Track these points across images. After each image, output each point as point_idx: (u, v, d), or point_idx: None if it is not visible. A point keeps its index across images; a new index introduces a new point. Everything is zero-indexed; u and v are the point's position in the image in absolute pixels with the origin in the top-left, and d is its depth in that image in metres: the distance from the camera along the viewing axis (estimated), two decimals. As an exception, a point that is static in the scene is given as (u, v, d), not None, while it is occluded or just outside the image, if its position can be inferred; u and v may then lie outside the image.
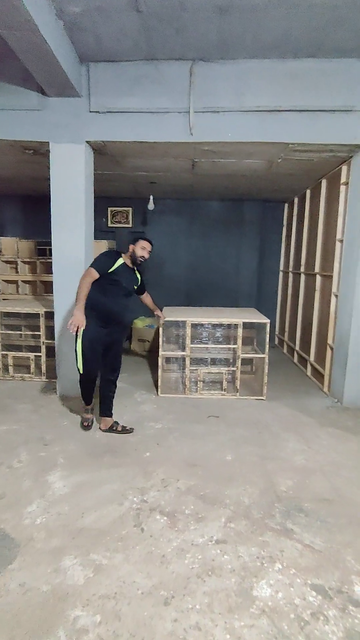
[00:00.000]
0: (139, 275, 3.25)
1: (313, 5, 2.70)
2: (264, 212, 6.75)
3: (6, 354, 4.52)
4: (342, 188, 4.07)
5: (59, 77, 3.19)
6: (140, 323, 5.92)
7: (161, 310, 3.85)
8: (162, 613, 1.61)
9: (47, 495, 2.37)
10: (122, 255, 3.09)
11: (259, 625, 1.56)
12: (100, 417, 3.25)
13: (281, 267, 6.75)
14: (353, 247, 3.82)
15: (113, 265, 2.98)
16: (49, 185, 3.75)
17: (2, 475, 2.57)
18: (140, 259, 3.09)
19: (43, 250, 6.10)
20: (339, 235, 4.12)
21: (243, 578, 1.79)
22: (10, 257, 5.86)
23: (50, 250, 3.91)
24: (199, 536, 2.05)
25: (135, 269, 3.20)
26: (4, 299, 5.44)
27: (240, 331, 4.03)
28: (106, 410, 3.23)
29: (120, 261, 3.02)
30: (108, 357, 3.16)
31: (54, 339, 4.10)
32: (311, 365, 4.91)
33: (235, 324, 4.09)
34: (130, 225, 6.87)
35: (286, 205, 6.58)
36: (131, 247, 3.10)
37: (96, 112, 3.60)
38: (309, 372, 4.99)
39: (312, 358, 4.89)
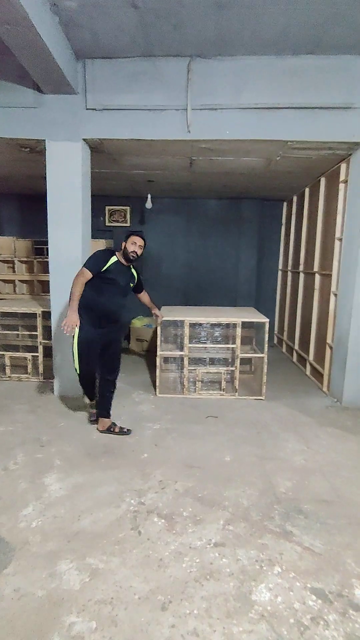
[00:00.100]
0: (135, 273, 3.20)
1: (312, 1, 2.67)
2: (262, 211, 6.72)
3: (3, 354, 4.49)
4: (341, 186, 4.04)
5: (54, 73, 3.15)
6: (138, 322, 5.89)
7: (159, 310, 3.82)
8: (159, 618, 1.58)
9: (43, 498, 2.33)
10: (116, 253, 3.04)
11: (258, 631, 1.53)
12: (98, 417, 3.22)
13: (280, 266, 6.73)
14: (352, 246, 3.79)
15: (106, 264, 2.94)
16: (46, 183, 3.72)
17: (-2, 477, 2.54)
18: (132, 255, 2.98)
19: (40, 249, 6.05)
20: (338, 234, 4.10)
21: (242, 582, 1.76)
22: (7, 256, 5.82)
23: (47, 249, 3.87)
24: (197, 539, 2.02)
25: (131, 266, 3.14)
26: (1, 299, 5.40)
27: (239, 330, 4.00)
28: (103, 410, 3.20)
29: (113, 259, 2.98)
30: (106, 357, 3.12)
31: (51, 339, 4.07)
32: (310, 364, 4.88)
33: (234, 324, 4.06)
34: (128, 224, 6.83)
35: (285, 203, 6.55)
36: (123, 243, 3.03)
37: (93, 109, 3.56)
38: (308, 371, 4.97)
39: (311, 357, 4.86)
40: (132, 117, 3.57)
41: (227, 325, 4.22)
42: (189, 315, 4.07)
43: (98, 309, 2.96)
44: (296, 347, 5.50)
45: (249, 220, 6.73)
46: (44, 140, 3.65)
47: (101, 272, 2.92)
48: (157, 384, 4.10)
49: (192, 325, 4.12)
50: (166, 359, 4.51)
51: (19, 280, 5.74)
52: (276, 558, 1.91)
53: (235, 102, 3.46)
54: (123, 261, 3.03)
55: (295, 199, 5.92)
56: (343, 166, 4.02)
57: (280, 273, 6.74)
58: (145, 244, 3.05)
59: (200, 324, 4.20)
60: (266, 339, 3.99)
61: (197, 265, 6.88)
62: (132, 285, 3.19)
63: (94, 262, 2.93)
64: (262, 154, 4.05)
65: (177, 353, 4.19)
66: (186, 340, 4.04)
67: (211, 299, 6.47)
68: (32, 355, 4.45)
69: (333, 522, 2.19)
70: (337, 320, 4.09)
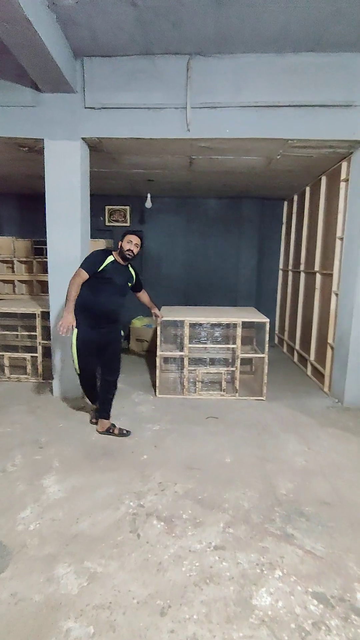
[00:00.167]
0: (133, 272, 3.17)
1: (312, -2, 2.64)
2: (262, 210, 6.69)
3: (2, 355, 4.47)
4: (342, 185, 4.01)
5: (52, 72, 3.13)
6: (138, 322, 5.86)
7: (159, 310, 3.79)
8: (158, 623, 1.55)
9: (41, 500, 2.31)
10: (113, 252, 3.02)
11: (259, 636, 1.51)
12: (98, 418, 3.20)
13: (280, 266, 6.70)
14: (353, 245, 3.76)
15: (102, 263, 2.91)
16: (45, 183, 3.69)
17: (-4, 479, 2.52)
18: (128, 254, 2.96)
19: (40, 249, 6.02)
20: (339, 233, 4.07)
21: (242, 586, 1.74)
22: (6, 256, 5.79)
23: (47, 249, 3.85)
24: (197, 542, 2.00)
25: (130, 265, 3.12)
26: (0, 299, 5.38)
27: (239, 330, 3.97)
28: (103, 412, 3.18)
29: (110, 259, 2.95)
30: (106, 357, 3.10)
31: (50, 339, 4.05)
32: (311, 364, 4.86)
33: (234, 324, 4.03)
34: (128, 224, 6.80)
35: (285, 202, 6.52)
36: (119, 242, 3.02)
37: (91, 108, 3.53)
38: (309, 371, 4.94)
39: (312, 357, 4.83)
40: (131, 115, 3.54)
41: (228, 325, 4.19)
42: (189, 315, 4.04)
43: (96, 309, 2.94)
44: (297, 347, 5.47)
45: (249, 220, 6.69)
46: (43, 139, 3.63)
47: (98, 272, 2.90)
48: (157, 384, 4.07)
49: (192, 326, 4.09)
50: (166, 359, 4.48)
51: (18, 281, 5.73)
52: (277, 561, 1.88)
53: (235, 101, 3.44)
54: (120, 260, 3.01)
55: (295, 198, 5.89)
56: (344, 165, 3.99)
57: (280, 273, 6.71)
58: (142, 243, 3.03)
59: (201, 324, 4.17)
60: (267, 339, 3.96)
61: (197, 265, 6.85)
62: (130, 284, 3.16)
63: (90, 262, 2.92)
64: (262, 152, 4.02)
65: (177, 353, 4.16)
66: (186, 341, 4.01)
67: (211, 298, 6.45)
68: (31, 356, 4.42)
69: (335, 524, 2.16)
70: (338, 320, 4.07)
